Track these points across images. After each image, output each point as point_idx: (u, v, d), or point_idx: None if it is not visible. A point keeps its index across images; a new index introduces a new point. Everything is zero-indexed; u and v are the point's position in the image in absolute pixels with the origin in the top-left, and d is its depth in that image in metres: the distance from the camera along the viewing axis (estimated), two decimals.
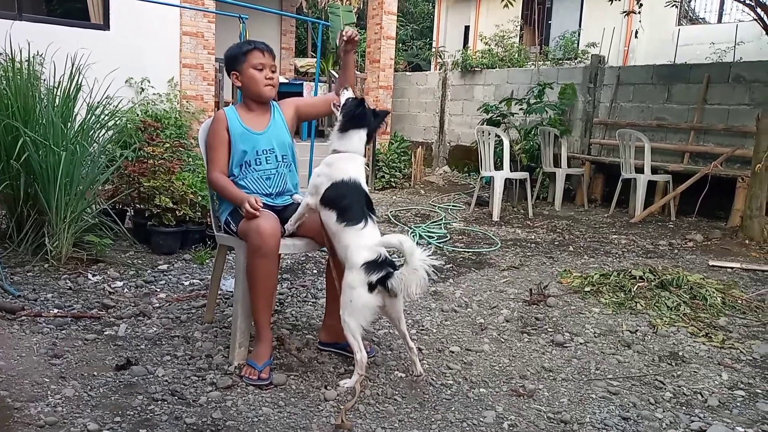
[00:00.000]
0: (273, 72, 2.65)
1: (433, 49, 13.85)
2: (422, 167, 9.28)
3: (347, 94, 2.54)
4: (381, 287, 2.28)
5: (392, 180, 8.63)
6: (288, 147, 2.73)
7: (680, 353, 2.89)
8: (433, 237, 5.27)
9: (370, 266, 2.28)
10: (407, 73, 12.21)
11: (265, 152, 2.63)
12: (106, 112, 4.20)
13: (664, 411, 2.31)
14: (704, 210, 6.54)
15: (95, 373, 2.34)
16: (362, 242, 2.32)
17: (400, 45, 15.40)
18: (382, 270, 2.27)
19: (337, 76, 9.47)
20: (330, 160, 2.46)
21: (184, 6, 6.88)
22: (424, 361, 2.65)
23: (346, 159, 2.45)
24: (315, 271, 4.05)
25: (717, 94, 7.02)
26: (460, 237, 5.36)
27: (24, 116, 3.72)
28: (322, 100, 2.91)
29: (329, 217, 2.38)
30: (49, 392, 2.17)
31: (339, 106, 2.53)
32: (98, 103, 4.11)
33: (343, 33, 2.56)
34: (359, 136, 2.47)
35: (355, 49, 2.69)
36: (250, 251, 2.36)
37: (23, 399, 2.10)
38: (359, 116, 2.45)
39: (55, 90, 3.94)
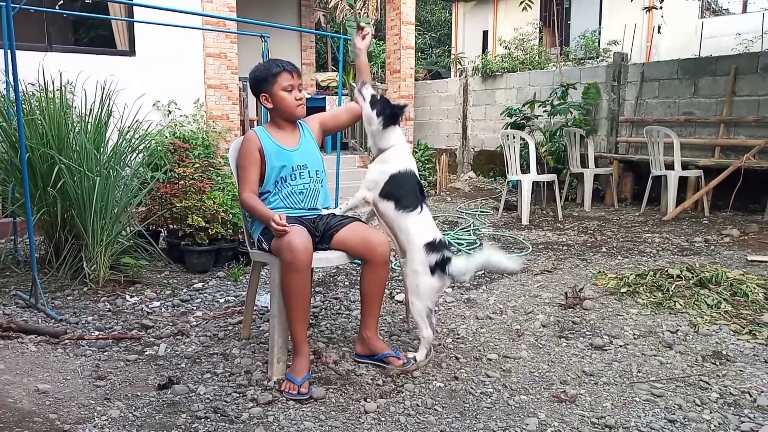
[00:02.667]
0: (300, 91, 2.70)
1: (453, 56, 13.86)
2: (447, 174, 9.27)
3: (369, 91, 2.69)
4: (440, 271, 2.57)
5: None
6: (320, 162, 2.77)
7: (724, 352, 2.82)
8: (463, 244, 5.25)
9: (429, 247, 2.57)
10: (428, 81, 12.23)
11: (299, 167, 2.67)
12: (137, 136, 4.30)
13: (711, 412, 2.26)
14: (738, 204, 6.39)
15: (139, 394, 2.38)
16: (420, 225, 2.60)
17: (419, 54, 15.44)
18: (440, 252, 2.57)
19: None
20: (384, 158, 2.68)
21: (206, 28, 7.01)
22: (462, 370, 2.63)
23: (397, 151, 2.67)
24: (347, 283, 4.07)
25: (746, 86, 6.88)
26: (490, 243, 5.33)
27: (58, 144, 3.83)
28: (345, 110, 2.95)
29: (387, 206, 2.62)
30: (95, 414, 2.21)
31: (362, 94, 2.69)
32: (128, 127, 4.21)
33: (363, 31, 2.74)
34: (398, 129, 2.71)
35: (368, 49, 2.79)
36: (283, 267, 2.39)
37: (71, 421, 2.14)
38: (394, 113, 2.68)
39: (87, 117, 4.04)
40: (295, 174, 2.66)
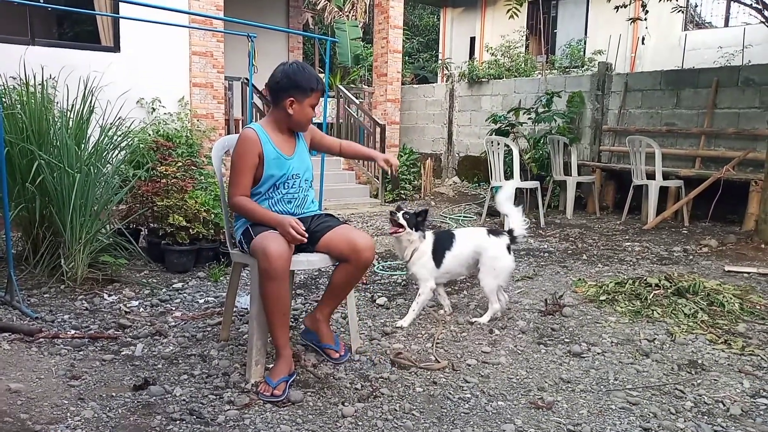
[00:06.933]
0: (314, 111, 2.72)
1: (440, 61, 13.91)
2: (432, 179, 9.30)
3: (401, 213, 3.23)
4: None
5: (402, 192, 8.65)
6: (311, 171, 2.79)
7: (699, 361, 2.85)
8: None
9: (491, 233, 3.40)
10: (414, 85, 12.27)
11: (294, 177, 2.67)
12: (119, 133, 4.26)
13: (685, 421, 2.28)
14: (717, 215, 6.49)
15: (113, 394, 2.35)
16: (467, 233, 3.50)
17: (407, 58, 15.49)
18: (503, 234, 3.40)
19: (345, 91, 9.49)
20: (421, 252, 3.28)
21: (193, 27, 6.96)
22: (440, 375, 2.64)
23: (422, 242, 3.30)
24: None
25: (727, 98, 6.99)
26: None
27: (38, 139, 3.77)
28: (326, 144, 3.00)
29: (450, 260, 3.33)
30: (68, 414, 2.18)
31: (402, 226, 3.21)
32: (111, 124, 4.16)
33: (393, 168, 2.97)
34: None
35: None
36: (260, 274, 2.38)
37: (43, 421, 2.11)
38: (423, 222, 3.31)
39: (69, 113, 3.99)
40: (288, 183, 2.65)
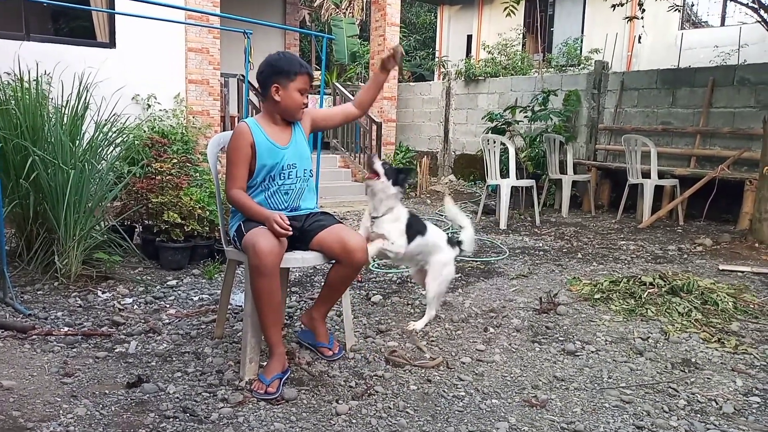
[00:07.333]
0: (307, 97, 2.67)
1: (436, 59, 13.91)
2: (428, 176, 9.30)
3: (379, 162, 2.95)
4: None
5: None
6: (309, 161, 2.74)
7: (693, 360, 2.86)
8: None
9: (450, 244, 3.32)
10: (411, 83, 12.26)
11: (289, 167, 2.63)
12: (114, 129, 4.24)
13: (678, 419, 2.29)
14: (712, 214, 6.51)
15: (106, 392, 2.34)
16: (438, 233, 3.29)
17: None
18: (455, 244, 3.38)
19: (342, 88, 9.43)
20: (396, 215, 3.00)
21: (189, 23, 6.94)
22: (435, 373, 2.64)
23: (400, 206, 3.04)
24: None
25: (722, 98, 7.01)
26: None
27: (33, 135, 3.75)
28: (340, 112, 2.95)
29: (418, 243, 3.10)
30: (61, 411, 2.17)
31: (377, 173, 2.91)
32: (106, 120, 4.14)
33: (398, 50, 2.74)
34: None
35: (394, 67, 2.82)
36: (251, 270, 2.37)
37: (35, 419, 2.10)
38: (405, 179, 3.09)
39: (63, 109, 3.98)
40: (284, 173, 2.62)
